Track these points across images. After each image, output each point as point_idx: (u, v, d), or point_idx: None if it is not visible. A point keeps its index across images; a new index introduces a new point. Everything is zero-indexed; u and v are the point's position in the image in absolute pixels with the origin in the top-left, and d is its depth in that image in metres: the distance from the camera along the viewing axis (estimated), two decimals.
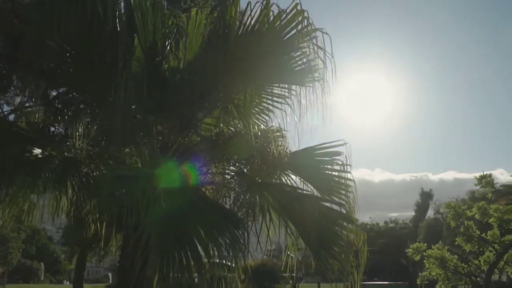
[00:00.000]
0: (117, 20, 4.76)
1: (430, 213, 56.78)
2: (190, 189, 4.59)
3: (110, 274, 56.23)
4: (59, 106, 10.99)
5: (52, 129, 9.92)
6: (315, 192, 5.91)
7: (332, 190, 5.88)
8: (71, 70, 5.34)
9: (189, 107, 5.69)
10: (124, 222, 4.44)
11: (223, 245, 3.93)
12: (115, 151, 6.09)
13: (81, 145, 5.83)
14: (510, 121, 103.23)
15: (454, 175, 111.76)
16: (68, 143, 5.41)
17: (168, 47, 5.94)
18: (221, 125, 6.50)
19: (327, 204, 5.43)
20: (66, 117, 10.61)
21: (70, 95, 6.64)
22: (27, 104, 12.73)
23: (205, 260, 3.82)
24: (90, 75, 5.01)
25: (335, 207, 5.51)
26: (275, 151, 5.42)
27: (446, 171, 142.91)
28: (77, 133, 6.00)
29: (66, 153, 5.52)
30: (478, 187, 13.09)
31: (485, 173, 12.49)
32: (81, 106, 7.87)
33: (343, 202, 5.70)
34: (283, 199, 5.28)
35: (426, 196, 58.19)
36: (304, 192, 5.55)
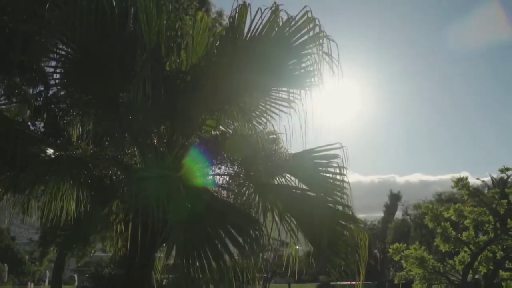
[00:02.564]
0: (131, 22, 4.79)
1: (398, 214, 58.19)
2: (206, 190, 4.68)
3: (75, 276, 55.09)
4: (39, 104, 10.84)
5: (32, 127, 9.76)
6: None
7: (328, 192, 6.05)
8: (77, 70, 5.32)
9: (193, 109, 5.77)
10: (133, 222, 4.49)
11: (243, 245, 4.04)
12: (115, 151, 6.11)
13: (80, 144, 5.83)
14: (474, 125, 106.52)
15: (419, 177, 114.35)
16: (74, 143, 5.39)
17: (172, 49, 6.00)
18: (220, 127, 6.63)
19: (331, 204, 5.59)
20: (57, 117, 10.45)
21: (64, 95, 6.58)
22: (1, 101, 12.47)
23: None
24: (101, 76, 5.02)
25: (336, 207, 5.69)
26: (281, 153, 5.56)
27: (412, 173, 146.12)
28: (76, 133, 6.00)
29: (68, 152, 5.50)
30: (455, 189, 13.56)
31: (461, 176, 12.98)
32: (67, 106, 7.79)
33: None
34: (289, 200, 5.42)
35: (394, 198, 59.46)
36: (310, 193, 5.70)
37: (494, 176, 33.75)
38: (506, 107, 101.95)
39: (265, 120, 6.18)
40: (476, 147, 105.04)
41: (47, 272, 43.83)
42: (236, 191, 5.90)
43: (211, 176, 5.82)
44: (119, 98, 5.34)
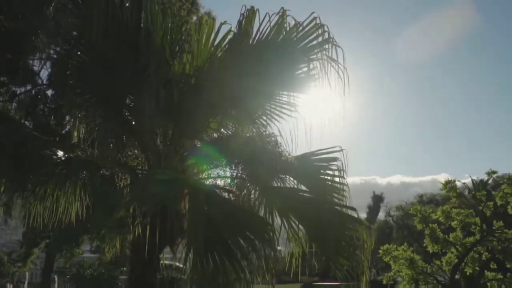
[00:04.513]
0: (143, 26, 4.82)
1: (381, 215, 58.84)
2: (215, 193, 4.73)
3: (56, 277, 54.28)
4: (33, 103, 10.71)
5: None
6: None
7: (329, 194, 6.15)
8: (86, 71, 5.32)
9: (198, 111, 5.81)
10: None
11: (255, 247, 4.10)
12: (118, 153, 6.13)
13: (86, 145, 5.83)
14: (454, 127, 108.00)
15: (400, 178, 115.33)
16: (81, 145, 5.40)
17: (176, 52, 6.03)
18: (222, 129, 6.68)
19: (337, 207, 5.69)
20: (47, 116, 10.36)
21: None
22: None
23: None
24: (112, 77, 5.04)
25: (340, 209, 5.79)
26: (285, 155, 5.63)
27: (393, 175, 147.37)
28: (78, 135, 6.00)
29: (77, 154, 5.51)
30: (443, 191, 13.80)
31: (450, 179, 13.22)
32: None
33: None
34: (294, 203, 5.50)
35: (377, 199, 60.12)
36: (314, 196, 5.79)
37: (474, 178, 34.37)
38: (486, 109, 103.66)
39: (270, 123, 6.23)
40: (454, 149, 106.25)
41: (27, 273, 43.10)
42: (239, 193, 5.96)
43: (216, 179, 5.87)
44: (124, 100, 5.36)
